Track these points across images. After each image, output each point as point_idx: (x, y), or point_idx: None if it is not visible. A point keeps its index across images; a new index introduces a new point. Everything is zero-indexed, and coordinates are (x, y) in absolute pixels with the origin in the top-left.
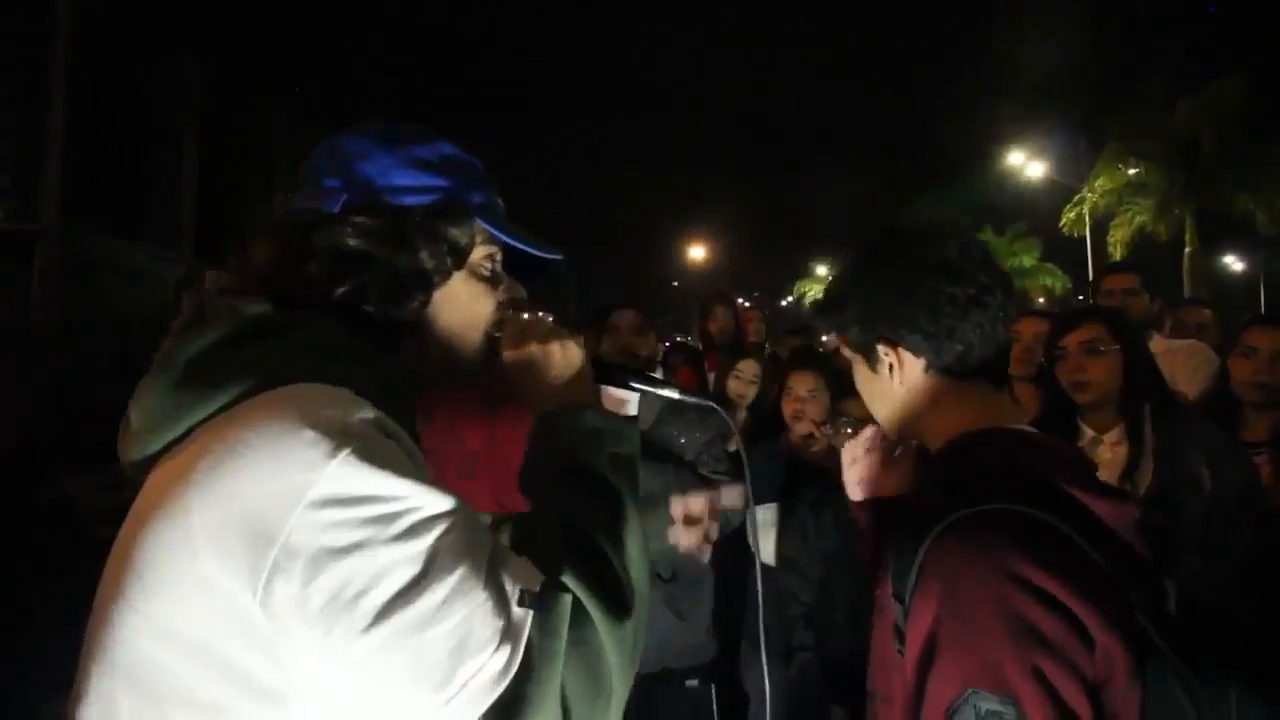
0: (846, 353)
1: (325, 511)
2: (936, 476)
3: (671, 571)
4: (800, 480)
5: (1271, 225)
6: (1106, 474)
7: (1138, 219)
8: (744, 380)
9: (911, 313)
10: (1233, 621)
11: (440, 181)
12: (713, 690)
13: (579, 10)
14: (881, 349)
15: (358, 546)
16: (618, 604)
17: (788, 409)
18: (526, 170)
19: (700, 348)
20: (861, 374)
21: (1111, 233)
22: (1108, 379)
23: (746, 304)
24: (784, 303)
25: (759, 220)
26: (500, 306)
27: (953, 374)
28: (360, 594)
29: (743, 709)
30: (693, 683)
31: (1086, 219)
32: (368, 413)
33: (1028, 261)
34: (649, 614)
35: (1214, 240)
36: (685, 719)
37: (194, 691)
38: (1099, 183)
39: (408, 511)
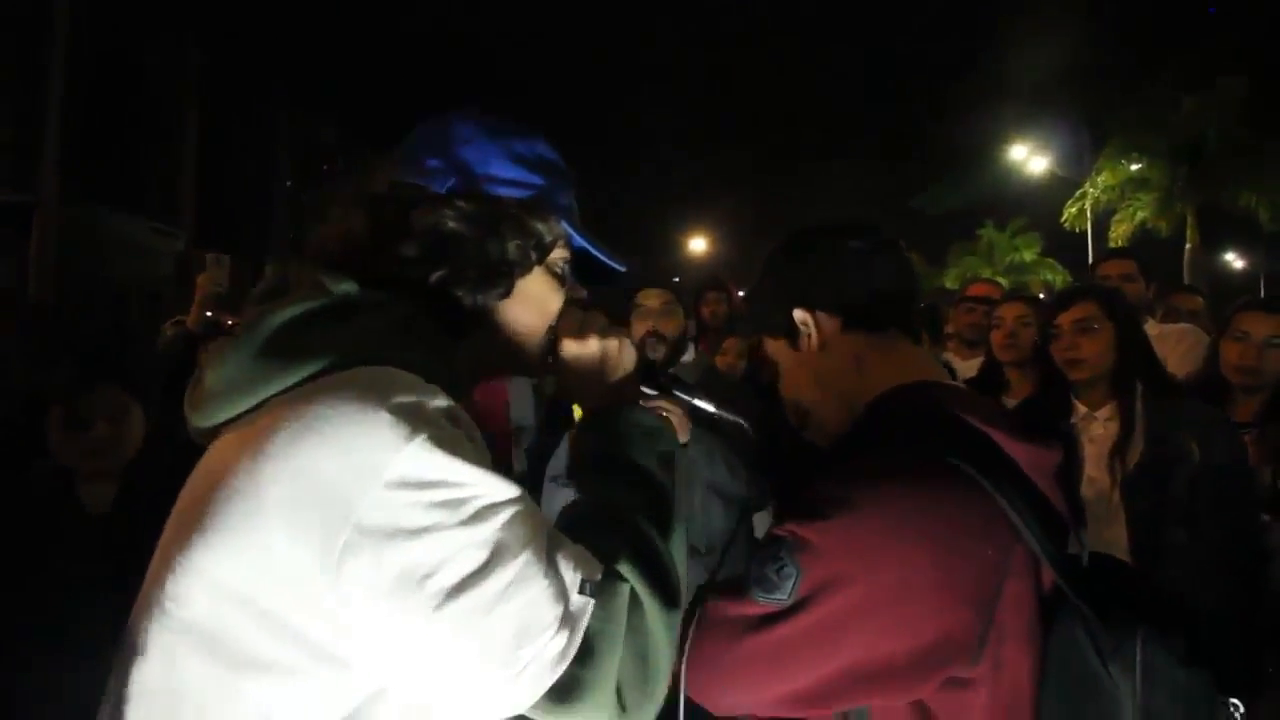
0: (771, 349)
1: (400, 493)
2: (858, 433)
3: (708, 545)
4: (798, 463)
5: (1273, 222)
6: (1097, 450)
7: (1139, 215)
8: (730, 356)
9: (819, 273)
10: (1142, 575)
11: (535, 179)
12: None
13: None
14: (799, 318)
15: (429, 529)
16: (669, 595)
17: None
18: None
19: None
20: (786, 359)
21: (1113, 228)
22: (1100, 357)
23: (743, 294)
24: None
25: (760, 214)
26: (566, 307)
27: (869, 328)
28: (429, 575)
29: None
30: None
31: (1088, 214)
32: (441, 400)
33: (1028, 256)
34: (688, 584)
35: (1215, 237)
36: None
37: (265, 655)
38: (1101, 178)
39: (476, 498)
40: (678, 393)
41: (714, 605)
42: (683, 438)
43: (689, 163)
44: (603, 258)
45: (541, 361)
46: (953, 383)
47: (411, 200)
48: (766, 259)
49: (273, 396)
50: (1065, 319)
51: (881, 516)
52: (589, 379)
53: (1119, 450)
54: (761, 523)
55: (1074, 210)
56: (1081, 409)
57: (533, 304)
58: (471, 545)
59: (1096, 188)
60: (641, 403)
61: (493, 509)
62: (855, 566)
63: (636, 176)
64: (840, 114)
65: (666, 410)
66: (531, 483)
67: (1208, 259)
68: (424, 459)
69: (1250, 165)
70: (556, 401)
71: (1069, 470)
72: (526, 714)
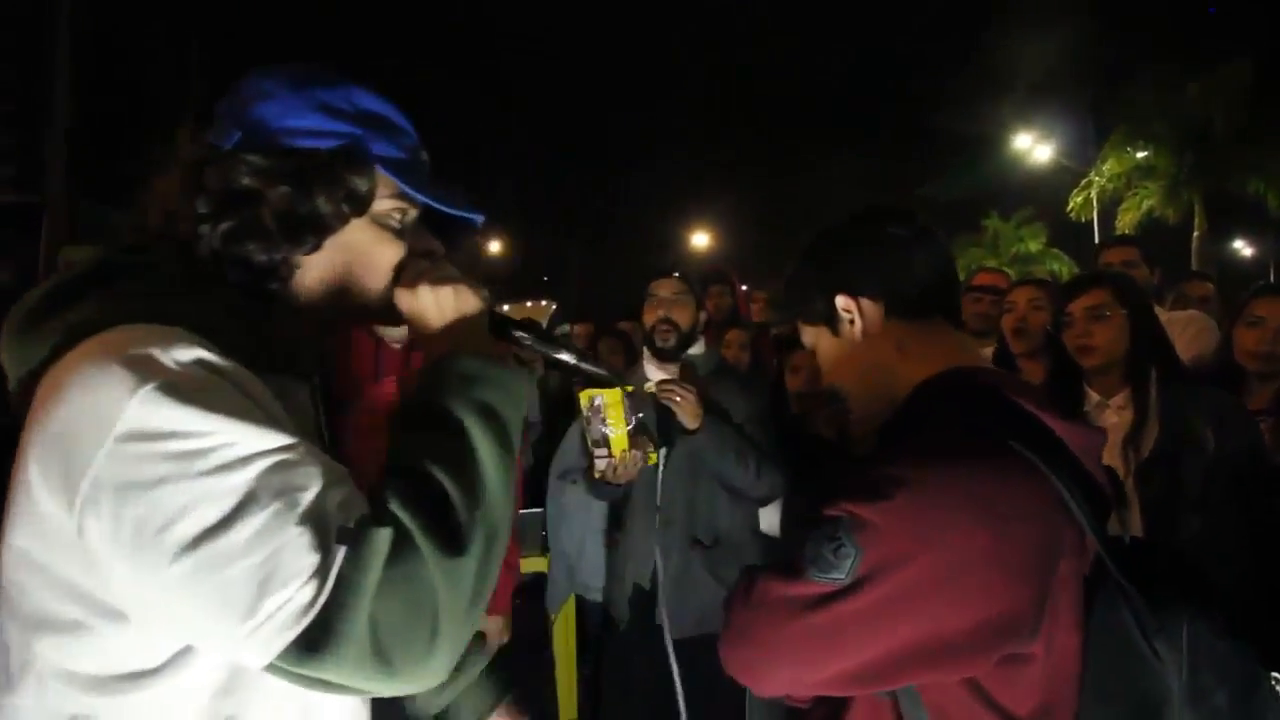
0: (809, 337)
1: (131, 445)
2: (904, 419)
3: (713, 537)
4: (805, 455)
5: None
6: (1111, 438)
7: (1146, 202)
8: (734, 349)
9: (863, 258)
10: (1178, 555)
11: (343, 127)
12: None
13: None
14: (841, 304)
15: (163, 481)
16: (452, 542)
17: (791, 385)
18: (523, 158)
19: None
20: (826, 346)
21: (1119, 216)
22: (1113, 344)
23: (745, 288)
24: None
25: (763, 208)
26: (409, 257)
27: (913, 315)
28: (165, 527)
29: None
30: None
31: (1094, 203)
32: (190, 349)
33: (1034, 247)
34: (690, 578)
35: (1223, 224)
36: (728, 682)
37: (54, 614)
38: (1107, 166)
39: (220, 448)
40: (534, 343)
41: (765, 585)
42: (692, 424)
43: (690, 158)
44: (439, 206)
45: (383, 318)
46: (998, 369)
47: (205, 160)
48: (805, 246)
49: (44, 370)
50: (1077, 306)
51: (942, 496)
52: (426, 327)
53: (1133, 438)
54: (767, 516)
55: (1080, 199)
56: (1094, 397)
57: (358, 256)
58: (212, 496)
59: (1102, 176)
60: (579, 364)
61: (243, 459)
62: (916, 545)
63: (639, 172)
64: (842, 107)
65: (680, 396)
66: (537, 477)
67: (1216, 246)
68: (153, 409)
69: (1257, 151)
70: (559, 398)
71: None
72: (284, 669)
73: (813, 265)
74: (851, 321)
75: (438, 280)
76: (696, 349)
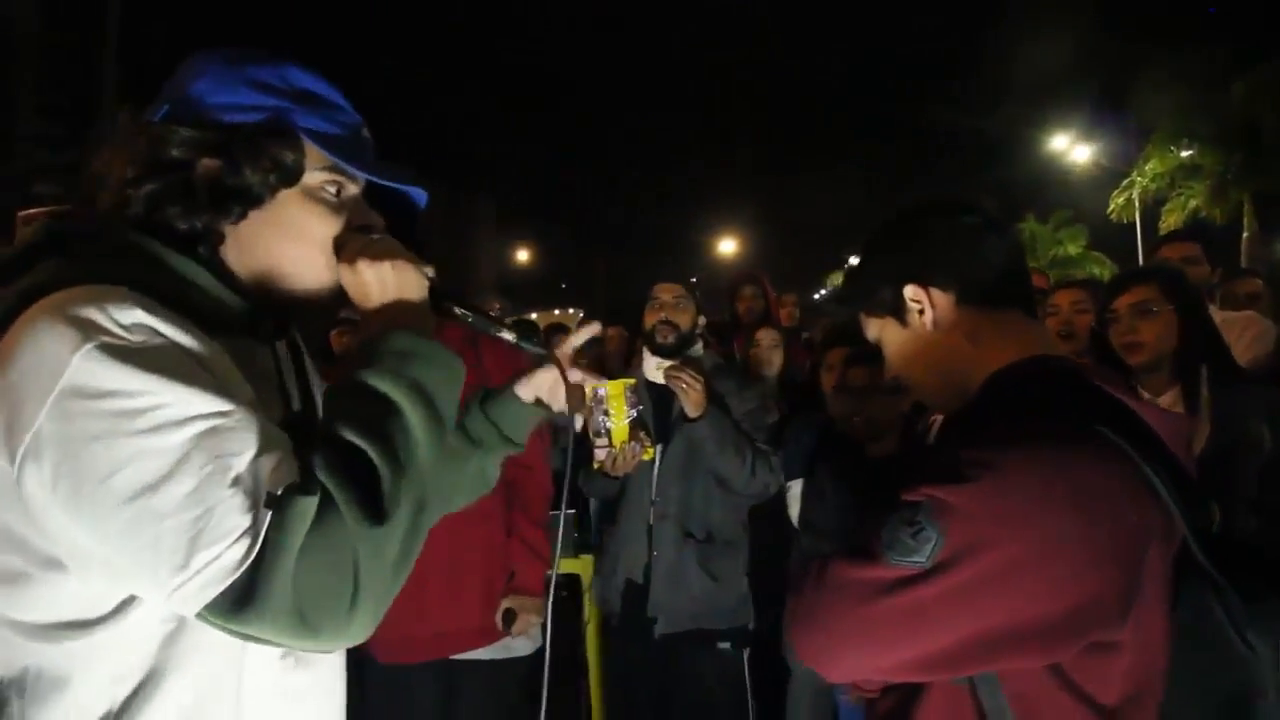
0: (874, 329)
1: (72, 403)
2: (980, 407)
3: (706, 532)
4: (830, 451)
5: None
6: None
7: (1191, 203)
8: (764, 348)
9: (933, 246)
10: (1261, 546)
11: (271, 102)
12: (745, 656)
13: (602, 7)
14: (910, 294)
15: (101, 437)
16: (375, 510)
17: (825, 384)
18: (549, 168)
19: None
20: (893, 337)
21: (1164, 218)
22: (1161, 340)
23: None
24: (818, 295)
25: (791, 214)
26: (348, 232)
27: (985, 304)
28: (102, 481)
29: (782, 682)
30: (724, 645)
31: (1136, 204)
32: (132, 309)
33: (1073, 250)
34: (682, 573)
35: (1274, 224)
36: (713, 680)
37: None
38: (1149, 166)
39: (158, 408)
40: (475, 321)
41: (839, 569)
42: (695, 412)
43: (717, 165)
44: (368, 176)
45: (325, 292)
46: (1077, 358)
47: (135, 132)
48: (870, 237)
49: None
50: (1122, 302)
51: (1028, 479)
52: (365, 303)
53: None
54: (795, 494)
55: (1121, 200)
56: (1144, 395)
57: (288, 228)
58: (147, 454)
59: (1145, 176)
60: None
61: (180, 420)
62: (1001, 529)
63: (663, 180)
64: (875, 109)
65: (687, 382)
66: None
67: (1267, 247)
68: (95, 368)
69: None
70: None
71: None
72: (212, 621)
73: (879, 255)
74: (921, 311)
75: (377, 255)
76: (694, 351)
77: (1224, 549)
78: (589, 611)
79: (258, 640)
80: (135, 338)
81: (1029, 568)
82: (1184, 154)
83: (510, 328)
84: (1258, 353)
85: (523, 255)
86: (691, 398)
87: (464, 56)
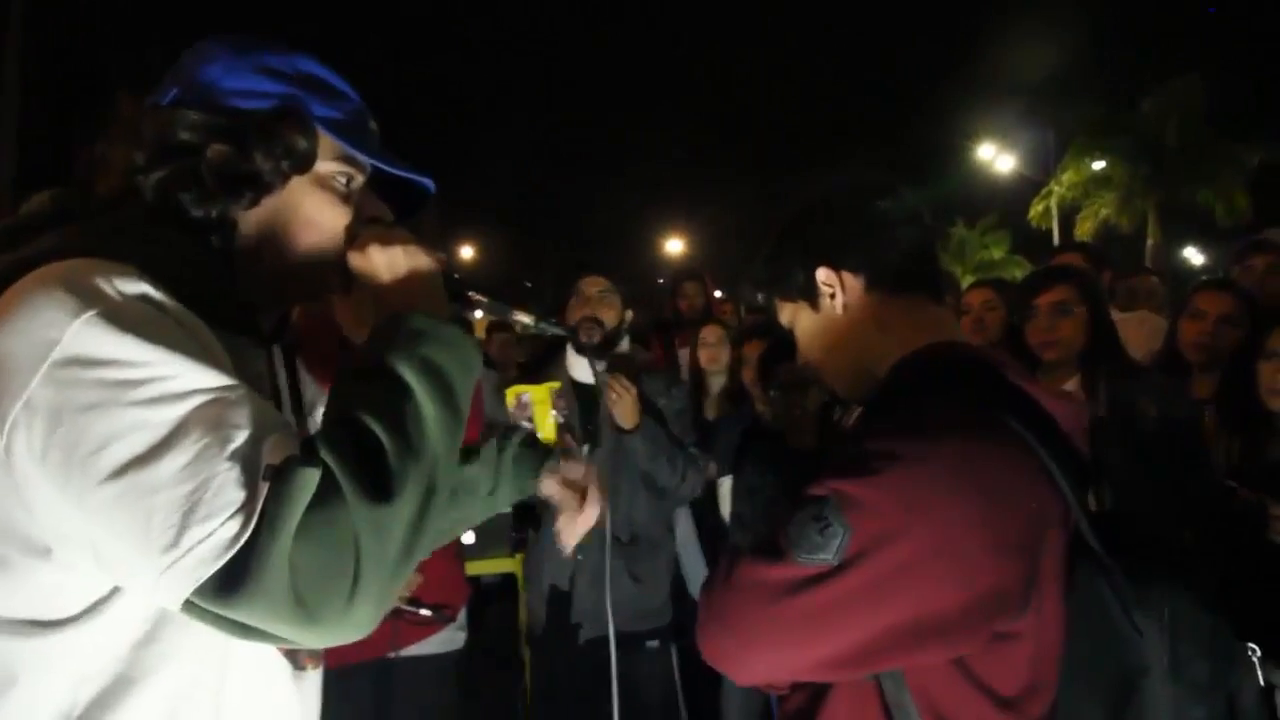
0: (787, 314)
1: (68, 370)
2: (887, 396)
3: (630, 535)
4: (754, 445)
5: (1229, 219)
6: None
7: (1102, 212)
8: (710, 346)
9: (845, 232)
10: (1160, 527)
11: (281, 88)
12: (673, 651)
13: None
14: (822, 277)
15: (96, 406)
16: (380, 490)
17: (745, 376)
18: (496, 163)
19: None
20: (804, 322)
21: (1077, 225)
22: (1074, 339)
23: (719, 294)
24: (762, 296)
25: (734, 216)
26: (358, 222)
27: (895, 289)
28: (94, 452)
29: (716, 675)
30: (653, 644)
31: (1054, 212)
32: (136, 283)
33: (997, 254)
34: (608, 575)
35: (1175, 233)
36: (646, 680)
37: None
38: (1066, 176)
39: (156, 380)
40: (490, 305)
41: (746, 569)
42: (628, 424)
43: (666, 165)
44: (381, 165)
45: (332, 282)
46: (977, 345)
47: (144, 116)
48: (783, 220)
49: None
50: (1043, 301)
51: (932, 468)
52: (377, 289)
53: None
54: (725, 493)
55: (1040, 208)
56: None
57: (302, 217)
58: (144, 425)
59: (1062, 186)
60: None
61: (179, 394)
62: (907, 520)
63: (616, 178)
64: (812, 115)
65: (619, 393)
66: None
67: (1169, 254)
68: (94, 335)
69: (1207, 163)
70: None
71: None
72: (201, 608)
73: (793, 239)
74: (832, 296)
75: (388, 240)
76: (622, 348)
77: (1115, 529)
78: (524, 611)
79: (248, 632)
80: (136, 309)
81: (936, 558)
82: (1096, 165)
83: (528, 310)
84: (1151, 347)
85: (467, 252)
86: (624, 409)
87: (405, 52)
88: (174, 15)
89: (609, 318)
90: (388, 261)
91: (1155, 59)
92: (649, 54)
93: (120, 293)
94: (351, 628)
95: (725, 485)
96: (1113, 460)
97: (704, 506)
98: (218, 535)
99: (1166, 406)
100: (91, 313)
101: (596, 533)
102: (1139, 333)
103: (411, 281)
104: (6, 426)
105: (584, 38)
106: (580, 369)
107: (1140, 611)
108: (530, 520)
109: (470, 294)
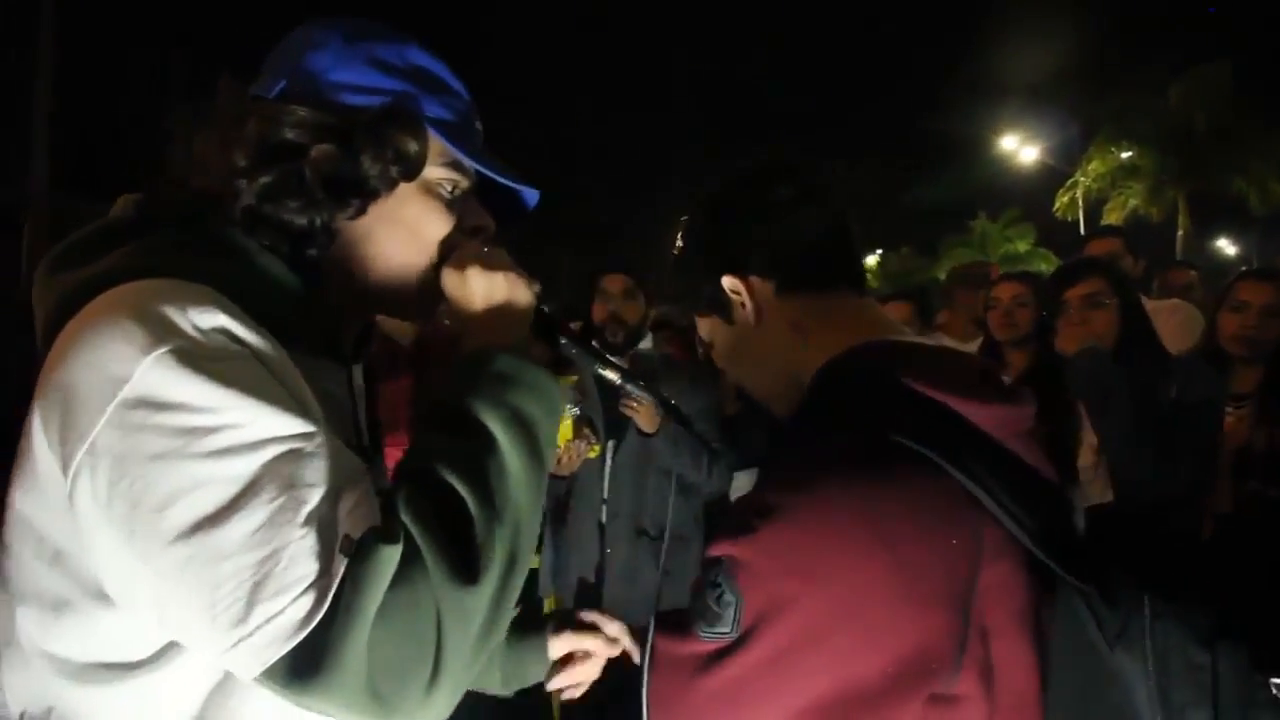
0: (705, 329)
1: (135, 413)
2: (800, 417)
3: (659, 529)
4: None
5: (1264, 207)
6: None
7: (1131, 202)
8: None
9: (742, 232)
10: (1147, 533)
11: (395, 84)
12: None
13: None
14: (729, 286)
15: (164, 456)
16: (465, 568)
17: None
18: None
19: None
20: (722, 338)
21: (1105, 216)
22: (1107, 331)
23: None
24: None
25: None
26: (459, 233)
27: (809, 288)
28: (160, 509)
29: None
30: None
31: (1080, 203)
32: (213, 312)
33: (1022, 247)
34: (636, 571)
35: (1207, 223)
36: None
37: (43, 587)
38: (1092, 166)
39: (230, 427)
40: (580, 355)
41: (662, 643)
42: (649, 428)
43: (683, 166)
44: (492, 174)
45: (425, 297)
46: (908, 339)
47: (247, 111)
48: (684, 224)
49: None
50: (1074, 294)
51: (813, 519)
52: (467, 314)
53: None
54: (743, 487)
55: (1066, 199)
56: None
57: (404, 227)
58: (212, 481)
59: (1088, 176)
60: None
61: (254, 444)
62: (797, 583)
63: (633, 180)
64: (830, 108)
65: (636, 402)
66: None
67: (1200, 244)
68: (166, 375)
69: (1239, 150)
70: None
71: (1065, 437)
72: (271, 686)
73: (693, 246)
74: (743, 304)
75: (491, 266)
76: (645, 344)
77: (1099, 543)
78: (550, 604)
79: (317, 711)
80: (212, 344)
81: (837, 623)
82: (1124, 155)
83: (615, 366)
84: (1185, 338)
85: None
86: (643, 418)
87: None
88: (200, 15)
89: (632, 315)
90: (486, 289)
91: (1183, 44)
92: (667, 51)
93: (195, 325)
94: (428, 717)
95: (740, 480)
96: (1123, 430)
97: (720, 502)
98: (289, 614)
99: (1186, 390)
100: (163, 349)
101: (626, 527)
102: (1170, 323)
103: (506, 315)
104: (72, 470)
105: (608, 34)
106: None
107: (1121, 643)
108: (555, 515)
109: (563, 339)
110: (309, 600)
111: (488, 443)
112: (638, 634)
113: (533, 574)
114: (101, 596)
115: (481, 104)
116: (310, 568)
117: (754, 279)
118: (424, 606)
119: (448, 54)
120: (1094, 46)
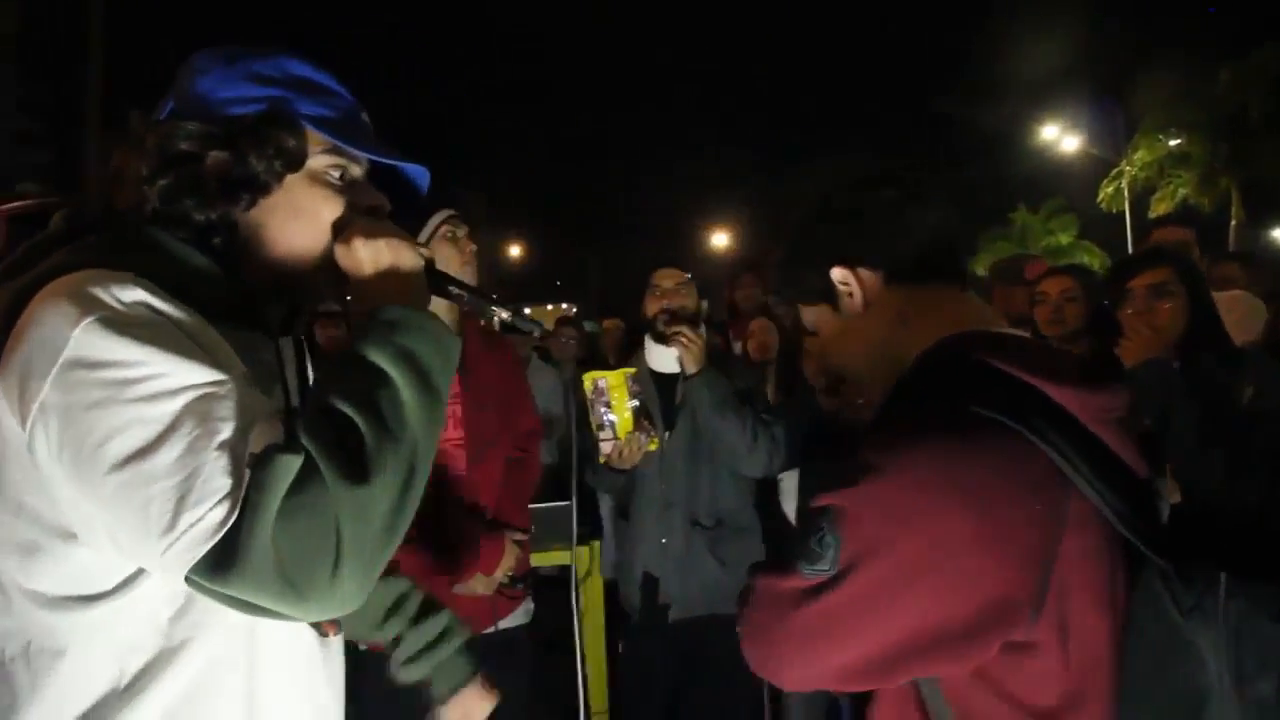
0: (809, 317)
1: (73, 373)
2: (897, 395)
3: (715, 519)
4: (823, 441)
5: None
6: None
7: (1180, 192)
8: (758, 338)
9: (855, 227)
10: (1237, 521)
11: (271, 91)
12: None
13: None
14: (838, 277)
15: (99, 404)
16: (357, 472)
17: (808, 369)
18: (542, 162)
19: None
20: (828, 326)
21: (1153, 207)
22: (1173, 323)
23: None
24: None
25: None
26: (353, 213)
27: (914, 280)
28: (98, 446)
29: None
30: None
31: (1125, 193)
32: (133, 290)
33: (1064, 239)
34: (693, 560)
35: (1261, 213)
36: (729, 664)
37: (17, 534)
38: (1138, 155)
39: (151, 377)
40: (470, 299)
41: (764, 581)
42: (693, 368)
43: (712, 159)
44: (376, 157)
45: (328, 275)
46: (1004, 330)
47: (145, 130)
48: (796, 219)
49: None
50: (1139, 283)
51: (911, 475)
52: (360, 280)
53: None
54: (788, 489)
55: (1110, 190)
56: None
57: (298, 212)
58: (143, 420)
59: (1134, 165)
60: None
61: (172, 390)
62: (892, 531)
63: (657, 174)
64: (866, 99)
65: (688, 339)
66: (561, 470)
67: (1255, 235)
68: (95, 339)
69: None
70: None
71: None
72: (199, 584)
73: (803, 241)
74: (851, 294)
75: (371, 234)
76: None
77: (1180, 528)
78: (585, 601)
79: (246, 606)
80: (132, 313)
81: (924, 570)
82: (1172, 143)
83: (504, 306)
84: (1246, 333)
85: (515, 251)
86: (692, 353)
87: (454, 50)
88: (249, 19)
89: (686, 308)
90: (371, 255)
91: (1234, 26)
92: (682, 45)
93: (118, 299)
94: (338, 603)
95: (787, 481)
96: (1189, 444)
97: (766, 504)
98: (207, 519)
99: (1261, 390)
100: (91, 318)
101: (680, 517)
102: (1231, 317)
103: (394, 274)
104: (28, 427)
105: (624, 28)
106: (657, 358)
107: (1196, 617)
108: (619, 510)
109: (451, 288)
110: (224, 508)
111: (378, 376)
112: (701, 621)
113: (562, 569)
114: (68, 536)
115: (499, 102)
116: (224, 482)
117: (863, 271)
118: (321, 504)
119: (481, 60)
120: (1139, 30)
